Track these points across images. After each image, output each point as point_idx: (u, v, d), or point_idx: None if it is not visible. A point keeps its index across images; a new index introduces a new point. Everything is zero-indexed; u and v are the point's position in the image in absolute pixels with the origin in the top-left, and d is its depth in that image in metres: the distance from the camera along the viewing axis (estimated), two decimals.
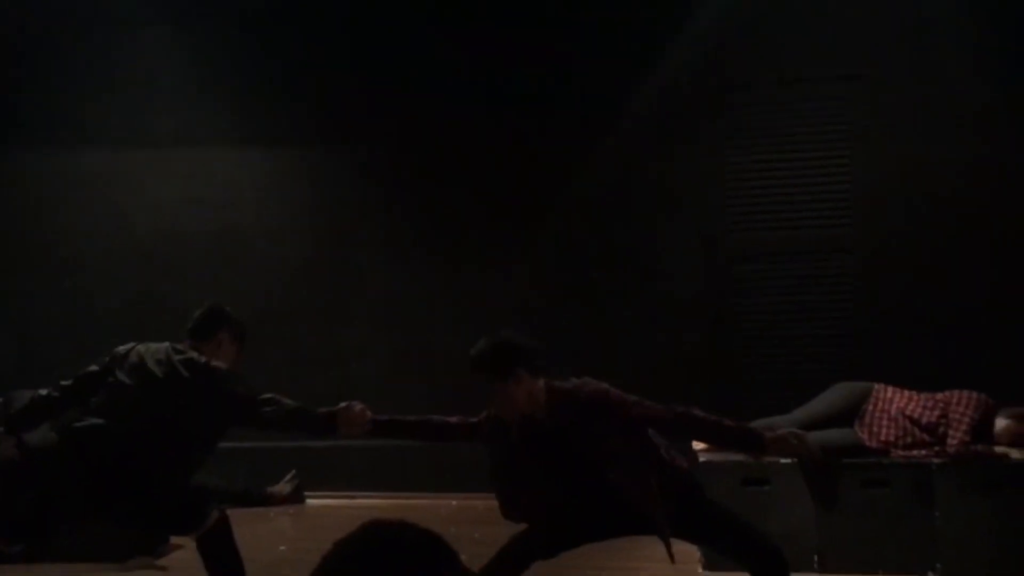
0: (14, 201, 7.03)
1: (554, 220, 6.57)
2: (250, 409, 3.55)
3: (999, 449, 4.51)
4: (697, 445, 4.82)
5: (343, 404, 3.61)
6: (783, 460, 4.50)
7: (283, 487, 6.25)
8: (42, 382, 6.00)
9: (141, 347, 3.70)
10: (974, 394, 4.55)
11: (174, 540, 5.11)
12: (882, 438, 4.49)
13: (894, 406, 4.57)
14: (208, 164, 6.94)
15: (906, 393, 4.63)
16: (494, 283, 6.60)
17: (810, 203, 6.30)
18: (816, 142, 6.31)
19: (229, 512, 6.17)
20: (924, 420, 4.50)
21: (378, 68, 6.66)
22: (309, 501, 6.28)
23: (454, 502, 5.66)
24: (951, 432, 4.45)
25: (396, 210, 6.74)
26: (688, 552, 4.67)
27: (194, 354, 3.65)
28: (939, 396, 4.59)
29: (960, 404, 4.51)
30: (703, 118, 6.45)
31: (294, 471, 6.34)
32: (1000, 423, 4.58)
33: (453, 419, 3.52)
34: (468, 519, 5.01)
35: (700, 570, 4.45)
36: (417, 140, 6.68)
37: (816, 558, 4.41)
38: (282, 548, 5.02)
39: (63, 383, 3.70)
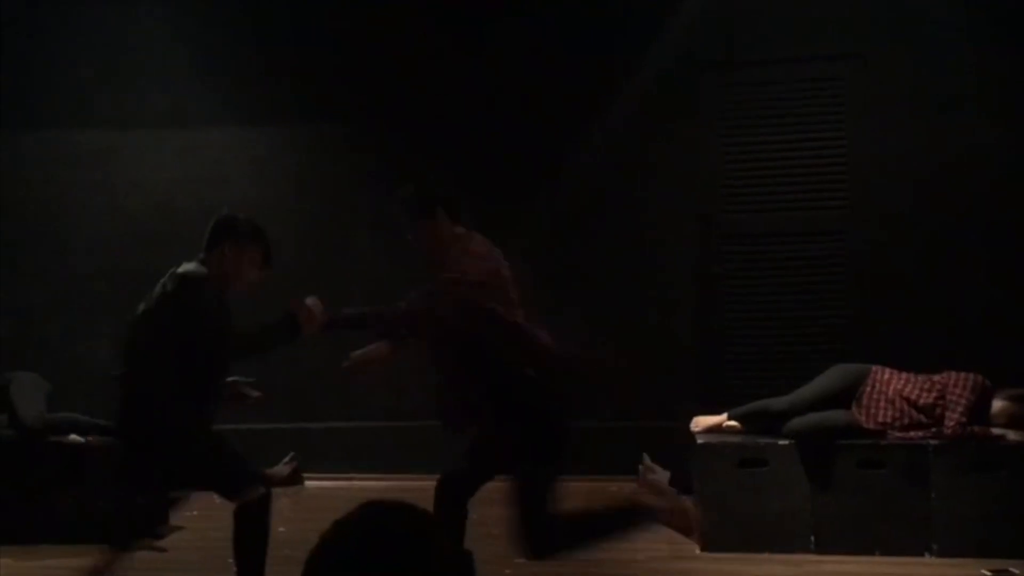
0: (5, 181, 6.99)
1: (545, 197, 6.53)
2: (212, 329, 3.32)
3: (996, 430, 4.52)
4: (695, 427, 4.82)
5: (295, 302, 3.46)
6: (781, 442, 4.51)
7: (282, 469, 6.26)
8: (36, 362, 6.03)
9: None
10: (971, 375, 4.55)
11: (174, 521, 5.12)
12: (879, 419, 4.50)
13: (891, 388, 4.58)
14: (200, 143, 6.90)
15: (903, 375, 4.64)
16: None
17: (804, 183, 6.28)
18: (810, 122, 6.28)
19: None
20: (921, 401, 4.52)
21: (368, 46, 6.62)
22: (308, 483, 6.29)
23: None
24: (948, 413, 4.46)
25: (387, 187, 6.68)
26: None
27: (189, 266, 3.42)
28: (936, 378, 4.59)
29: (957, 386, 4.51)
30: (696, 97, 6.41)
31: (293, 453, 6.35)
32: (997, 404, 4.59)
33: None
34: None
35: (698, 551, 4.46)
36: (407, 117, 6.64)
37: (812, 538, 4.43)
38: (281, 529, 5.00)
39: None
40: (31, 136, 6.94)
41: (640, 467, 5.76)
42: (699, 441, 4.67)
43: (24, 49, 6.87)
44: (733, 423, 4.78)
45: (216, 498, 3.69)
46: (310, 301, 3.47)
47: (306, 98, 6.75)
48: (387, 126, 6.69)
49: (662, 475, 5.69)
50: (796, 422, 4.53)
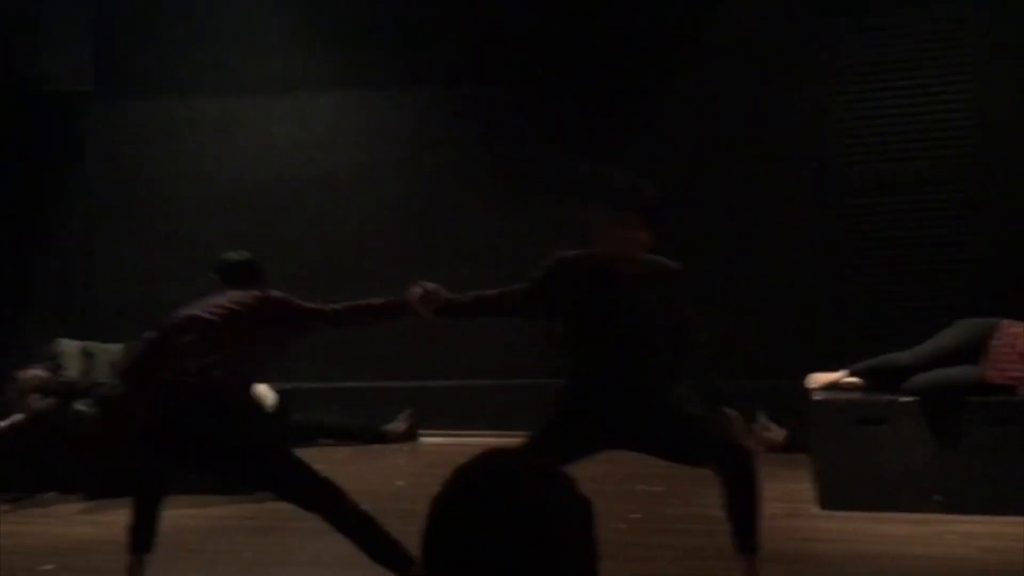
0: (127, 150, 7.28)
1: (662, 153, 6.43)
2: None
3: None
4: (812, 384, 4.72)
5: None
6: (901, 399, 4.37)
7: (398, 425, 6.42)
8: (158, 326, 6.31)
9: None
10: None
11: None
12: (1009, 375, 4.31)
13: (1021, 341, 4.37)
14: (309, 108, 7.06)
15: None
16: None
17: (926, 133, 6.01)
18: (932, 69, 5.99)
19: (348, 449, 6.37)
20: None
21: (472, 7, 6.62)
22: (422, 439, 6.44)
23: None
24: None
25: (495, 147, 6.73)
26: (804, 491, 4.62)
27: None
28: None
29: None
30: (815, 46, 6.19)
31: (409, 410, 6.50)
32: None
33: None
34: None
35: (816, 509, 4.39)
36: (518, 78, 6.62)
37: (938, 498, 4.29)
38: (399, 483, 5.17)
39: None
40: (149, 106, 7.22)
41: (755, 426, 5.68)
42: (815, 398, 4.56)
43: (148, 23, 7.13)
44: (852, 379, 4.65)
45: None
46: (430, 286, 3.47)
47: (417, 62, 6.81)
48: (499, 88, 6.69)
49: (777, 433, 5.61)
50: (919, 378, 4.38)
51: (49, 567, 3.83)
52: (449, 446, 6.13)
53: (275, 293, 3.58)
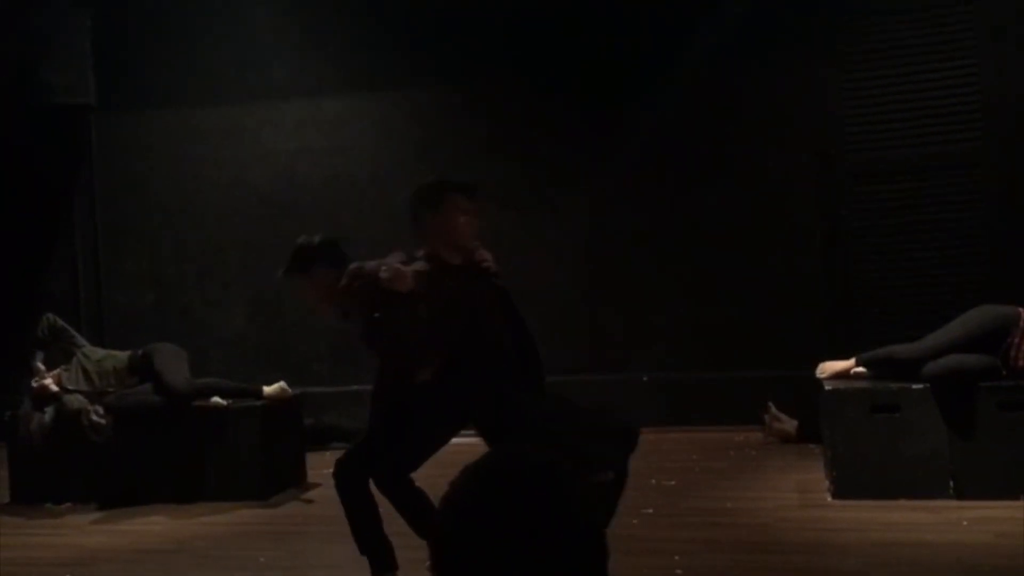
0: (131, 160, 7.33)
1: (665, 136, 6.43)
2: None
3: None
4: (822, 373, 4.70)
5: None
6: (914, 386, 4.35)
7: None
8: (180, 330, 6.36)
9: None
10: None
11: (312, 479, 5.34)
12: None
13: None
14: (318, 113, 7.08)
15: None
16: (603, 210, 6.55)
17: (934, 117, 6.00)
18: (940, 53, 5.98)
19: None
20: None
21: (479, 9, 6.63)
22: None
23: None
24: None
25: (502, 148, 6.74)
26: (816, 481, 4.61)
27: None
28: None
29: None
30: (820, 29, 6.18)
31: None
32: None
33: None
34: None
35: (829, 499, 4.38)
36: (517, 73, 6.62)
37: (951, 484, 4.27)
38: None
39: None
40: (159, 115, 7.25)
41: (766, 416, 5.67)
42: (827, 387, 4.55)
43: (148, 34, 7.16)
44: (861, 369, 4.63)
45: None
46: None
47: (422, 64, 6.81)
48: (501, 88, 6.69)
49: (788, 423, 5.59)
50: (932, 365, 4.35)
51: None
52: (458, 446, 6.10)
53: None
